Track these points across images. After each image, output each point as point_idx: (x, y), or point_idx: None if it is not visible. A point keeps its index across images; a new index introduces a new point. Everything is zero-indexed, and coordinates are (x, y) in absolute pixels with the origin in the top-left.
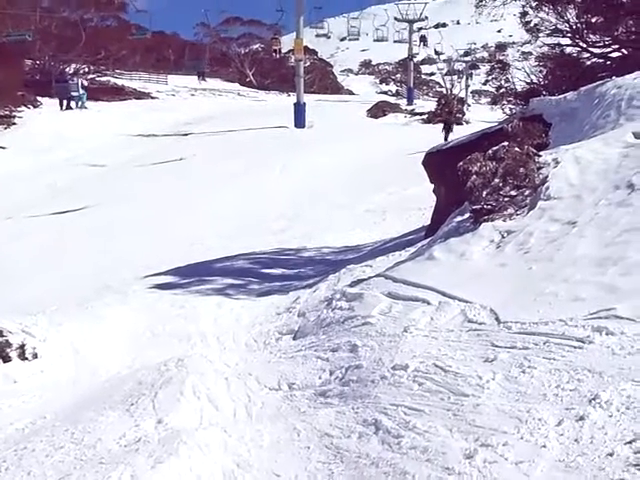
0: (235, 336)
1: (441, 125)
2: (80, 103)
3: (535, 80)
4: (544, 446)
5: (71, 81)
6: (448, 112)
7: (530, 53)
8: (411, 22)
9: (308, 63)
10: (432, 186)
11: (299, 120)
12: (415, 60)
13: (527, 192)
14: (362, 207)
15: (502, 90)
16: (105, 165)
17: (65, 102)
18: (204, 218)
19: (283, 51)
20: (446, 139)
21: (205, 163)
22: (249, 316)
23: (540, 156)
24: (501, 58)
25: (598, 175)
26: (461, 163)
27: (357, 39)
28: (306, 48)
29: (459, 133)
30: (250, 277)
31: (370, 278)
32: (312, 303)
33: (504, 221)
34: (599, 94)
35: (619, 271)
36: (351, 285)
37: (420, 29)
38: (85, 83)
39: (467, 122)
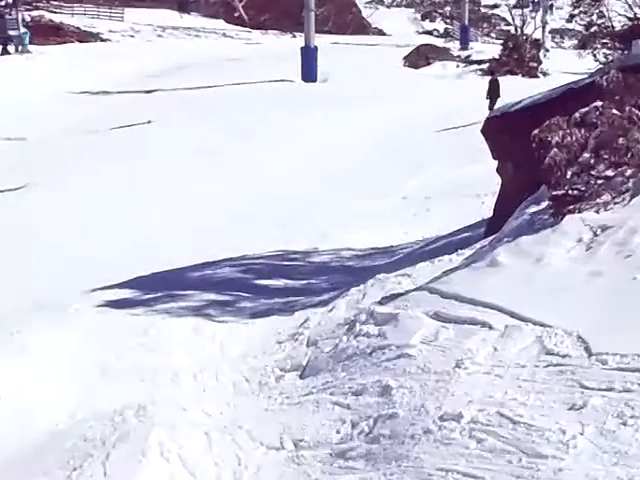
0: (219, 373)
1: (507, 77)
2: (21, 46)
3: None
4: None
5: (8, 16)
6: (517, 59)
7: None
8: None
9: None
10: (495, 164)
11: (309, 71)
12: None
13: (629, 172)
14: (397, 194)
15: (594, 29)
16: (26, 138)
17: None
18: (175, 209)
19: None
20: (491, 108)
21: (176, 132)
22: (238, 345)
23: None
24: None
25: None
26: (536, 131)
27: None
28: None
29: (533, 89)
30: (240, 291)
31: (408, 292)
32: (327, 327)
33: (597, 212)
34: None
35: None
36: (382, 302)
37: None
38: (28, 18)
39: (545, 73)
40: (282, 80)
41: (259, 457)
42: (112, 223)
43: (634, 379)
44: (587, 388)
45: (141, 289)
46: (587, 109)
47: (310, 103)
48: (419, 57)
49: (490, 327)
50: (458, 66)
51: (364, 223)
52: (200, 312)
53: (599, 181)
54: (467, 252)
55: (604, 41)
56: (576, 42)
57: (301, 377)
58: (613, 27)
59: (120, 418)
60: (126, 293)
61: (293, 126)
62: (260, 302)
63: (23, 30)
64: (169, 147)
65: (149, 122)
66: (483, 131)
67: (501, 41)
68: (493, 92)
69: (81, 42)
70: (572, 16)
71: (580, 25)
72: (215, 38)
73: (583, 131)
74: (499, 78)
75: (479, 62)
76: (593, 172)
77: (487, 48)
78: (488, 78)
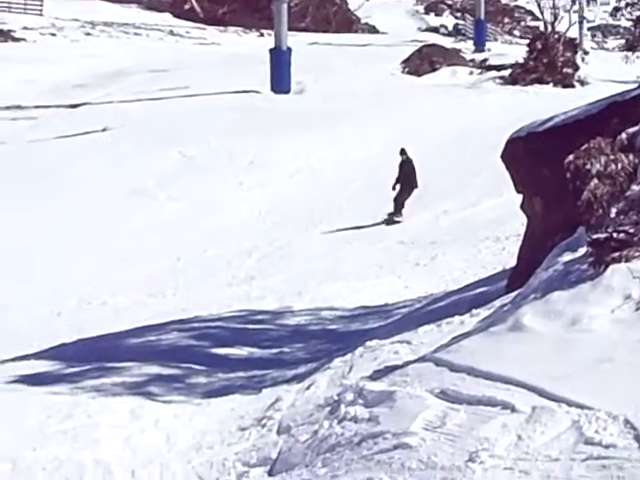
0: (164, 470)
1: (535, 87)
2: None
3: None
4: None
5: None
6: (547, 64)
7: None
8: None
9: None
10: (519, 198)
11: (280, 80)
12: None
13: None
14: (395, 237)
15: None
16: None
17: None
18: (109, 256)
19: None
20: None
21: (109, 159)
22: (190, 433)
23: None
24: None
25: None
26: (571, 157)
27: None
28: None
29: (568, 102)
30: (192, 362)
31: (408, 364)
32: (303, 410)
33: None
34: None
35: None
36: (374, 377)
37: None
38: None
39: (582, 82)
40: (245, 91)
41: None
42: (22, 275)
43: None
44: None
45: (65, 360)
46: (636, 129)
47: (281, 122)
48: (422, 61)
49: (513, 409)
50: (472, 73)
51: (350, 273)
52: (140, 390)
53: None
54: (483, 312)
55: None
56: (622, 42)
57: (270, 474)
58: None
59: None
60: (45, 365)
61: (261, 148)
62: (217, 377)
63: None
64: (102, 181)
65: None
66: (503, 156)
67: (527, 41)
68: (406, 177)
69: None
70: (617, 9)
71: (628, 20)
72: (160, 37)
73: (631, 157)
74: (525, 88)
75: (498, 68)
76: None
77: (509, 50)
78: (511, 88)
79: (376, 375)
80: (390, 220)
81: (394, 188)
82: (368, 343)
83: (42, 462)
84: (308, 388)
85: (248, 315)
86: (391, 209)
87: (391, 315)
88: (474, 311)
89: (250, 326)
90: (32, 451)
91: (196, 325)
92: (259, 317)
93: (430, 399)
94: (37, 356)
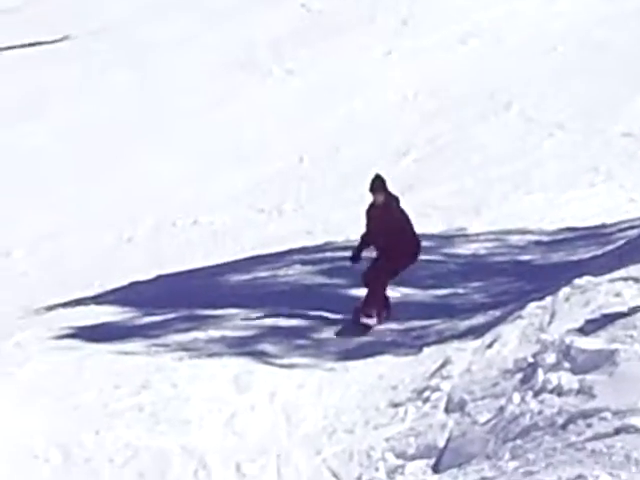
0: (283, 463)
1: None
2: None
3: None
4: None
5: None
6: None
7: None
8: None
9: None
10: None
11: None
12: None
13: None
14: (613, 126)
15: None
16: None
17: None
18: (201, 158)
19: None
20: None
21: (204, 16)
22: (320, 411)
23: None
24: None
25: None
26: None
27: None
28: None
29: None
30: (322, 309)
31: (636, 312)
32: (483, 377)
33: None
34: None
35: None
36: (586, 330)
37: None
38: None
39: None
40: None
41: None
42: (82, 184)
43: None
44: None
45: (139, 306)
46: None
47: None
48: None
49: None
50: None
51: (553, 182)
52: (248, 349)
53: None
54: None
55: None
56: None
57: (436, 469)
58: None
59: None
60: (111, 313)
61: (415, 8)
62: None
63: None
64: (183, 54)
65: None
66: None
67: None
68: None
69: None
70: None
71: None
72: None
73: None
74: None
75: None
76: None
77: None
78: None
79: (589, 327)
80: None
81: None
82: (577, 281)
83: (107, 451)
84: (490, 346)
85: None
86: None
87: (610, 241)
88: None
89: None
90: (94, 435)
91: (327, 255)
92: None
93: None
94: (100, 300)
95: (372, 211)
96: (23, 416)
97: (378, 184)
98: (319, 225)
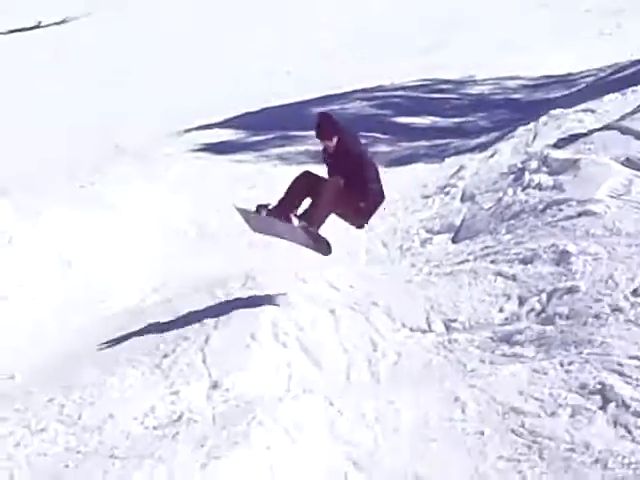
0: (347, 235)
1: None
2: None
3: None
4: None
5: None
6: None
7: None
8: None
9: None
10: None
11: None
12: None
13: None
14: (578, 6)
15: None
16: None
17: None
18: (290, 27)
19: None
20: None
21: None
22: None
23: None
24: None
25: None
26: None
27: None
28: None
29: None
30: (374, 131)
31: (592, 132)
32: (487, 177)
33: None
34: None
35: None
36: (558, 145)
37: None
38: None
39: None
40: None
41: (399, 342)
42: (204, 44)
43: None
44: None
45: (247, 129)
46: None
47: None
48: None
49: None
50: None
51: (532, 42)
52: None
53: None
54: None
55: None
56: None
57: (454, 241)
58: None
59: (222, 292)
60: (229, 134)
61: None
62: (400, 145)
63: None
64: None
65: None
66: None
67: None
68: None
69: None
70: None
71: None
72: None
73: None
74: None
75: None
76: None
77: None
78: None
79: (560, 143)
80: None
81: None
82: (552, 112)
83: (226, 229)
84: (492, 156)
85: (429, 84)
86: None
87: (575, 84)
88: None
89: (431, 95)
90: (216, 217)
91: (379, 94)
92: (440, 86)
93: (615, 167)
94: (221, 125)
95: (327, 159)
96: (170, 204)
97: (324, 128)
98: (367, 74)
